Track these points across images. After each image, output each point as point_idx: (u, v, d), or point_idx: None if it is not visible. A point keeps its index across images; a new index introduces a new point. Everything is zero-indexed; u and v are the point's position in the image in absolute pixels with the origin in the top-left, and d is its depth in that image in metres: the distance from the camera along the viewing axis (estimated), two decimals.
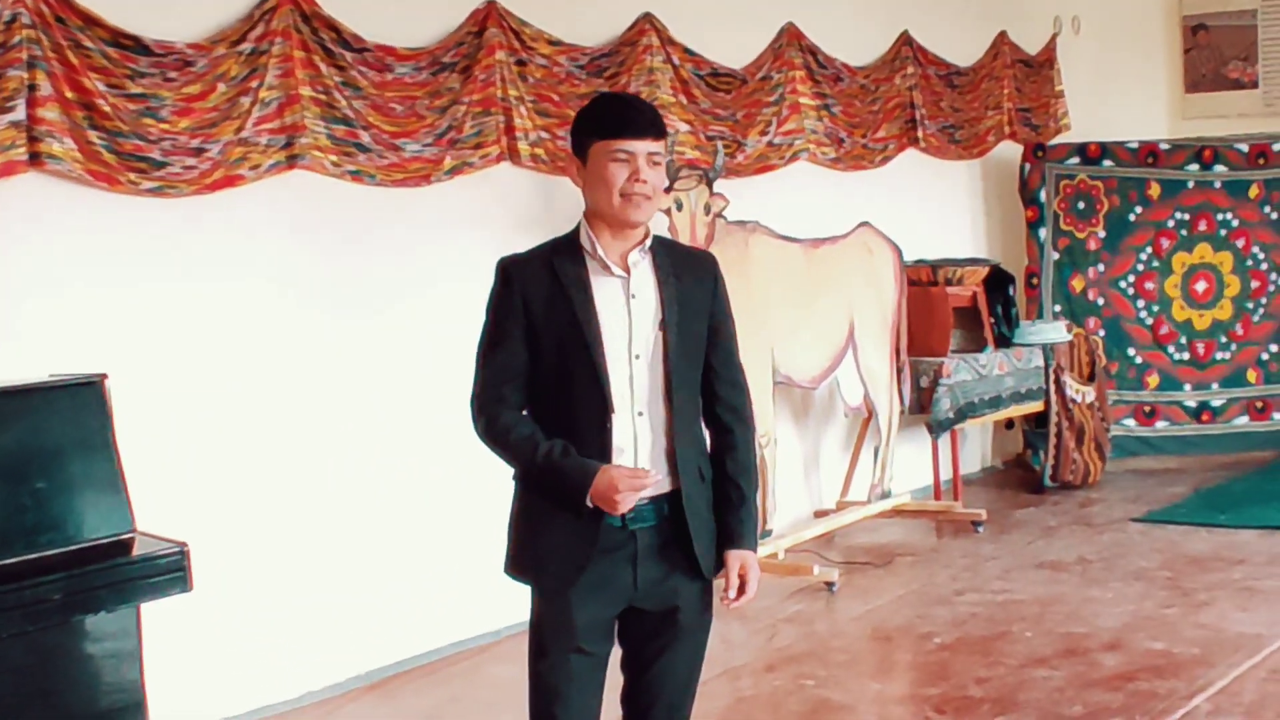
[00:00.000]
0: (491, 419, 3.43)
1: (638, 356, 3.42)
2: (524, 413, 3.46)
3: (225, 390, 5.72)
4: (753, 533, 3.57)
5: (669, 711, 3.59)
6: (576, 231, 3.48)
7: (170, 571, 4.83)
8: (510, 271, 3.48)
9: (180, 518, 5.20)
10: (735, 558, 3.52)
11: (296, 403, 5.96)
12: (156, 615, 5.04)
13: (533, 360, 3.43)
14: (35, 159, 5.07)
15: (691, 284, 3.51)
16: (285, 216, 5.94)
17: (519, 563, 3.53)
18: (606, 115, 3.43)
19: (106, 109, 5.28)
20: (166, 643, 5.20)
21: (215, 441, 5.68)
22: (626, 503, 3.31)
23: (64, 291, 5.28)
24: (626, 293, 3.43)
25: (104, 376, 5.03)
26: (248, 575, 5.72)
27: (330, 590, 6.01)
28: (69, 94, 5.18)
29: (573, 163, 3.48)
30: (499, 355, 3.45)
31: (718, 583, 3.56)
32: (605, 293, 3.42)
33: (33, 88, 5.06)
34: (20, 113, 5.03)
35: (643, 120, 3.41)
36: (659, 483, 3.40)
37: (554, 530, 3.41)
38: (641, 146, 3.36)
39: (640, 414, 3.41)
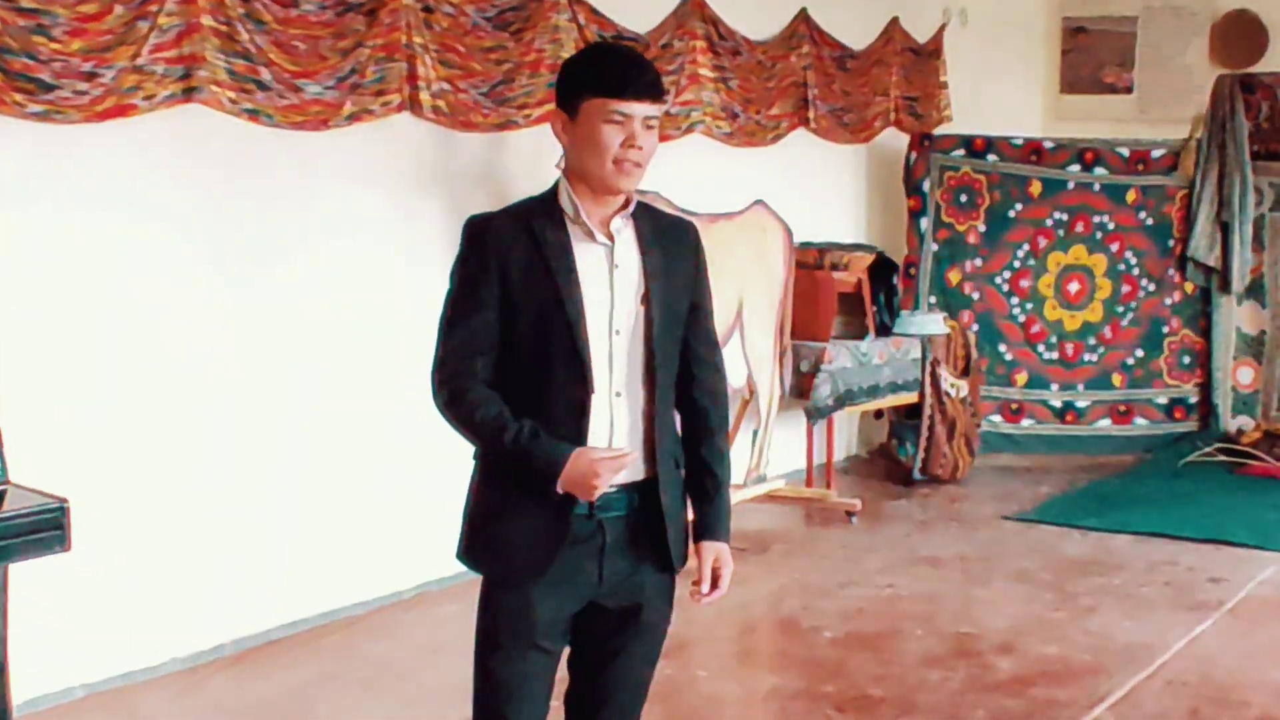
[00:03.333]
0: (456, 393, 3.11)
1: (618, 332, 3.13)
2: (491, 389, 3.12)
3: (106, 333, 5.37)
4: (727, 523, 3.33)
5: (620, 713, 3.33)
6: (554, 192, 3.17)
7: (48, 529, 4.45)
8: (482, 232, 3.15)
9: (54, 471, 4.81)
10: (710, 549, 3.27)
11: (177, 351, 5.60)
12: (29, 571, 4.68)
13: (505, 332, 3.12)
14: None
15: (674, 256, 3.23)
16: (175, 152, 5.56)
17: (475, 550, 3.22)
18: (605, 70, 3.10)
19: None
20: (39, 603, 4.85)
21: (98, 391, 5.32)
22: (603, 486, 3.02)
23: None
24: (610, 262, 3.13)
25: None
26: (118, 535, 5.35)
27: (201, 554, 5.68)
28: None
29: (558, 117, 3.14)
30: (469, 324, 3.12)
31: (681, 576, 3.29)
32: (587, 261, 3.12)
33: None
34: None
35: (645, 80, 3.09)
36: (635, 468, 3.12)
37: (518, 518, 3.12)
38: (640, 109, 3.05)
39: (618, 395, 3.13)
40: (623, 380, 3.13)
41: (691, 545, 3.29)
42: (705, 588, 3.25)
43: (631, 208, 3.17)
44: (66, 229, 5.24)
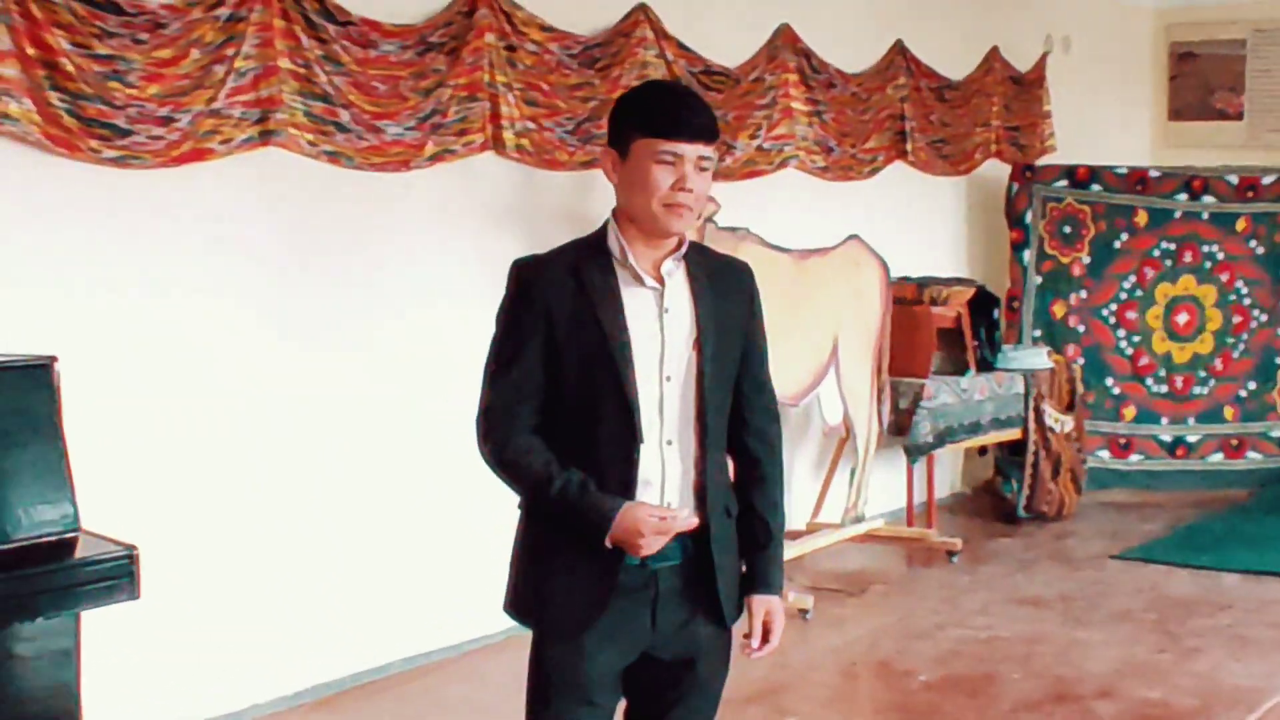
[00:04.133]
0: (502, 443, 3.03)
1: (669, 379, 3.03)
2: (538, 438, 3.04)
3: (181, 381, 5.33)
4: (779, 575, 3.22)
5: None
6: (603, 233, 3.08)
7: (116, 577, 4.43)
8: (529, 277, 3.05)
9: (126, 517, 4.80)
10: (761, 603, 3.16)
11: (249, 397, 5.55)
12: (96, 619, 4.66)
13: (551, 379, 3.03)
14: None
15: (728, 299, 3.13)
16: (254, 196, 5.54)
17: (522, 603, 3.15)
18: (657, 110, 3.00)
19: (70, 69, 4.86)
20: (106, 648, 4.82)
21: (165, 434, 5.28)
22: (652, 547, 2.94)
23: (13, 264, 4.87)
24: (659, 306, 3.03)
25: (53, 359, 4.63)
26: (196, 581, 5.33)
27: (281, 600, 5.63)
28: (30, 51, 4.76)
29: (608, 156, 3.05)
30: (514, 371, 3.04)
31: (736, 629, 3.18)
32: (636, 306, 3.01)
33: None
34: None
35: (698, 121, 2.99)
36: (684, 525, 3.01)
37: (566, 568, 3.04)
38: (692, 150, 2.96)
39: (669, 443, 3.03)
40: (674, 428, 3.04)
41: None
42: (755, 642, 3.16)
43: (684, 249, 3.07)
44: (140, 275, 5.23)
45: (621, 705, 3.20)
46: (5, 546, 4.40)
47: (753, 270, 3.26)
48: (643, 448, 2.99)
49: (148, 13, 5.08)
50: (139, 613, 4.71)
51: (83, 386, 4.85)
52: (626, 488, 2.97)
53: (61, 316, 4.94)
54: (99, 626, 4.70)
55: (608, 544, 2.93)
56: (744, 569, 3.19)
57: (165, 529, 5.10)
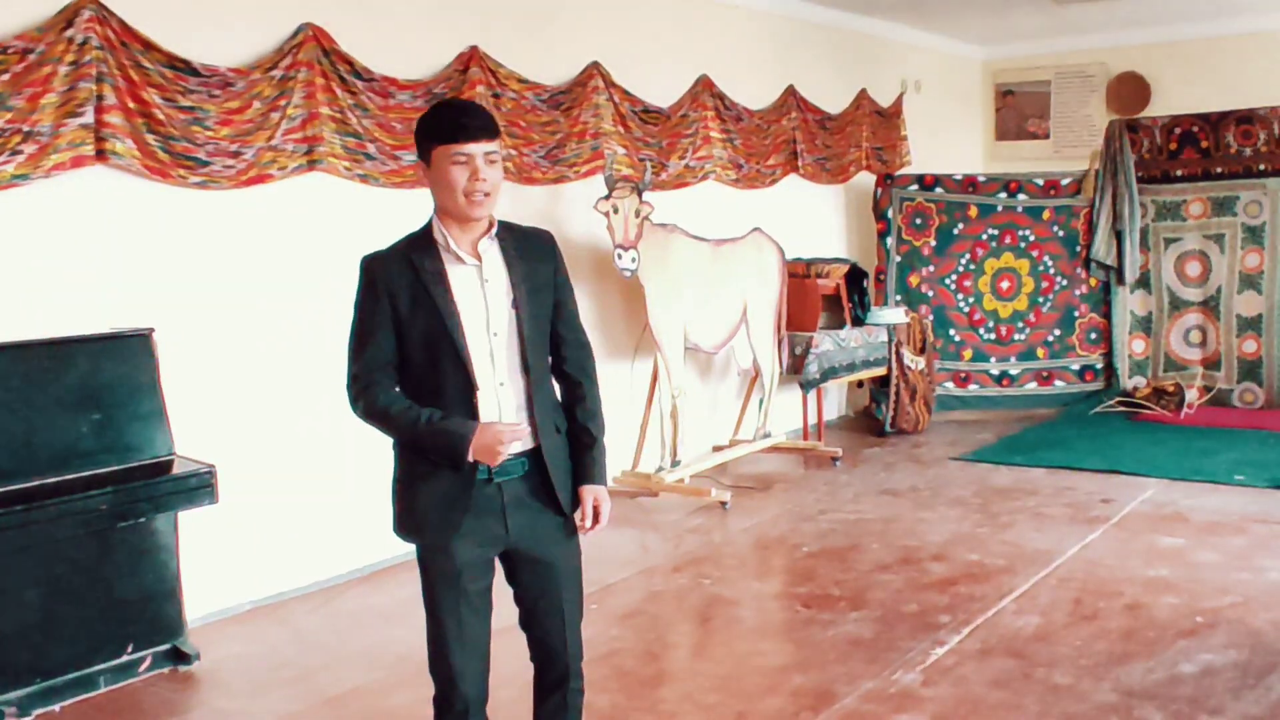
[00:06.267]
0: (370, 401, 2.85)
1: (495, 334, 2.85)
2: (396, 391, 2.88)
3: (247, 346, 5.30)
4: (602, 470, 3.02)
5: (562, 633, 3.02)
6: (430, 227, 2.88)
7: (201, 487, 4.45)
8: (374, 270, 2.85)
9: (208, 444, 4.79)
10: (589, 492, 2.98)
11: (300, 357, 5.50)
12: (191, 520, 4.66)
13: (402, 348, 2.85)
14: (101, 155, 4.65)
15: (536, 262, 2.92)
16: (304, 209, 5.49)
17: (404, 523, 2.93)
18: (444, 122, 2.80)
19: (161, 118, 4.82)
20: (199, 542, 4.81)
21: (237, 384, 5.26)
22: (505, 452, 2.78)
23: (122, 262, 4.85)
24: (480, 279, 2.85)
25: (151, 330, 4.65)
26: (261, 490, 5.31)
27: (330, 502, 5.60)
28: (130, 104, 4.74)
29: (419, 166, 2.88)
30: (369, 347, 2.85)
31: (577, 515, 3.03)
32: (461, 281, 2.83)
33: (100, 98, 4.63)
34: (89, 117, 4.60)
35: (477, 124, 2.79)
36: (523, 442, 2.87)
37: (431, 491, 2.85)
38: (478, 148, 2.77)
39: (502, 384, 2.86)
40: (505, 371, 2.86)
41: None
42: (589, 523, 2.99)
43: (495, 229, 2.89)
44: (216, 269, 5.20)
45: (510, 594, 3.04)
46: (121, 467, 4.42)
47: (553, 235, 3.05)
48: (480, 392, 2.83)
49: (219, 75, 5.03)
50: (219, 514, 4.71)
51: (175, 350, 4.84)
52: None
53: (158, 300, 4.92)
54: (192, 525, 4.70)
55: (469, 457, 2.78)
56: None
57: (237, 452, 5.09)
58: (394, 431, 2.88)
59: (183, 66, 4.89)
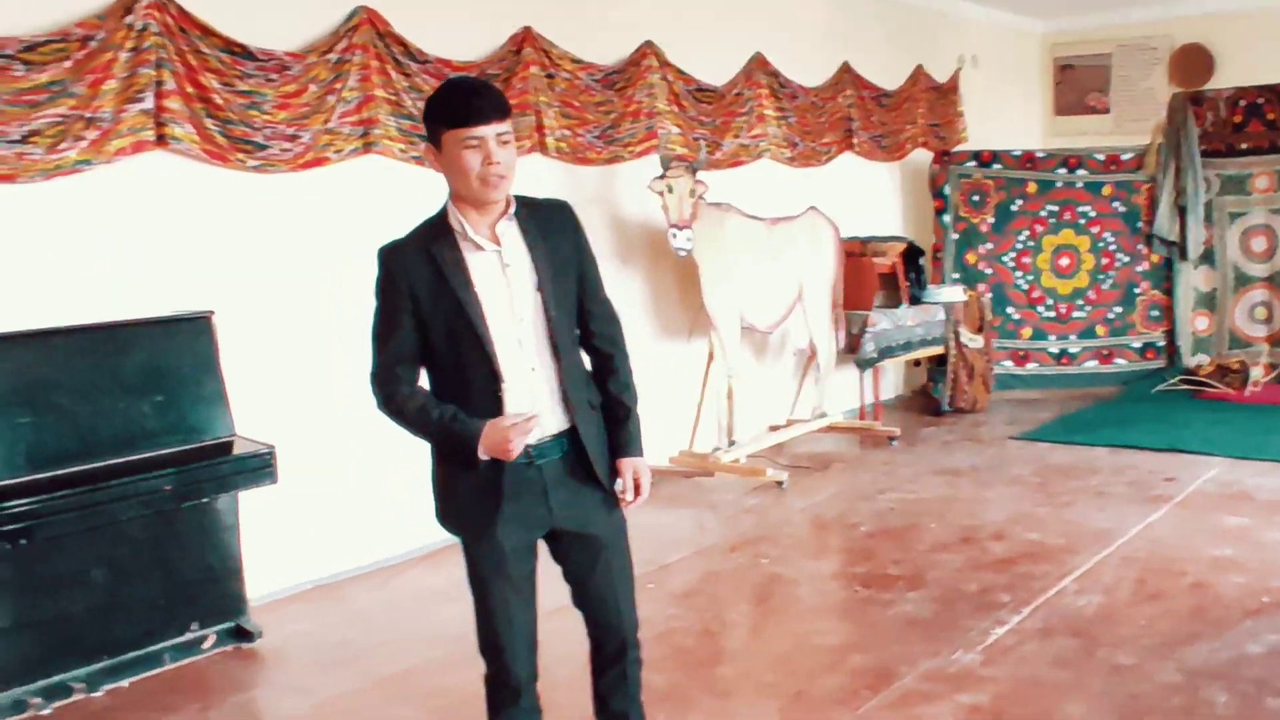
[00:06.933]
0: (388, 396, 2.79)
1: (521, 320, 2.76)
2: (418, 385, 2.81)
3: (303, 327, 5.32)
4: (638, 440, 2.95)
5: (616, 605, 2.99)
6: (445, 214, 2.78)
7: (262, 467, 4.49)
8: (392, 262, 2.76)
9: (268, 425, 4.83)
10: (627, 465, 2.92)
11: (356, 338, 5.47)
12: (251, 500, 4.71)
13: (424, 340, 2.77)
14: (161, 140, 4.70)
15: (557, 239, 2.82)
16: (358, 190, 5.51)
17: (445, 514, 2.90)
18: (453, 104, 2.68)
19: (220, 102, 4.86)
20: (260, 522, 4.86)
21: (296, 366, 5.29)
22: (519, 446, 2.70)
23: (184, 245, 4.90)
24: (501, 264, 2.75)
25: (211, 313, 4.70)
26: (319, 471, 5.34)
27: (388, 483, 5.60)
28: (189, 89, 4.78)
29: (429, 151, 2.76)
30: (391, 341, 2.78)
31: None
32: (481, 269, 2.74)
33: (160, 83, 4.68)
34: (149, 103, 4.65)
35: (488, 105, 2.68)
36: (558, 423, 2.82)
37: (469, 481, 2.79)
38: (490, 130, 2.66)
39: (533, 370, 2.78)
40: (534, 356, 2.79)
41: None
42: (630, 495, 2.93)
43: (512, 209, 2.78)
44: (275, 251, 5.23)
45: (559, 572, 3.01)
46: (183, 448, 4.47)
47: (570, 205, 2.94)
48: (508, 381, 2.75)
49: (276, 59, 5.06)
50: (279, 494, 4.76)
51: (235, 332, 4.88)
52: (496, 413, 2.75)
53: (218, 282, 4.96)
54: (252, 505, 4.75)
55: (482, 457, 2.71)
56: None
57: (296, 433, 5.12)
58: (412, 429, 2.82)
59: (240, 51, 4.92)
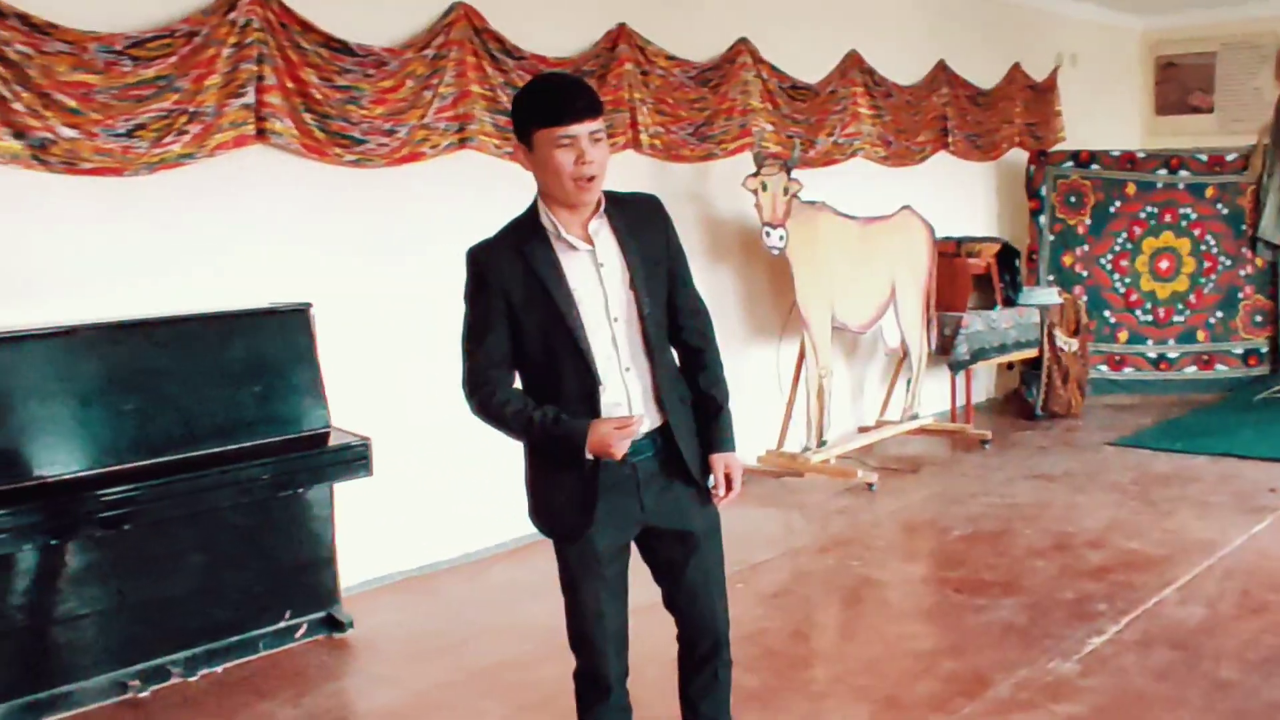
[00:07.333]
0: (484, 400, 2.75)
1: (616, 319, 2.72)
2: (513, 388, 2.78)
3: (401, 320, 5.36)
4: (730, 436, 2.90)
5: (710, 603, 2.94)
6: (535, 212, 2.74)
7: (357, 459, 4.53)
8: (483, 263, 2.73)
9: (363, 417, 4.87)
10: (719, 460, 2.87)
11: (450, 333, 5.49)
12: (345, 491, 4.75)
13: (518, 343, 2.73)
14: (261, 134, 4.75)
15: (647, 232, 2.79)
16: (453, 185, 5.53)
17: (539, 515, 2.87)
18: (546, 102, 2.64)
19: (318, 97, 4.91)
20: (353, 513, 4.90)
21: (390, 359, 5.33)
22: (623, 447, 2.67)
23: (282, 238, 4.97)
24: (595, 264, 2.72)
25: (309, 305, 4.74)
26: (413, 464, 5.38)
27: (479, 476, 5.61)
28: (289, 84, 4.83)
29: (519, 150, 2.72)
30: (484, 345, 2.74)
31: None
32: (576, 269, 2.70)
33: (260, 79, 4.73)
34: (250, 98, 4.70)
35: (582, 103, 2.63)
36: (651, 420, 2.78)
37: (562, 483, 2.76)
38: (583, 129, 2.61)
39: (628, 370, 2.74)
40: (628, 355, 2.74)
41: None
42: (721, 491, 2.87)
43: (604, 207, 2.74)
44: (372, 243, 5.28)
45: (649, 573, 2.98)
46: (279, 439, 4.52)
47: (659, 200, 2.89)
48: (605, 383, 2.71)
49: (374, 55, 5.10)
50: (373, 486, 4.79)
51: (332, 324, 4.93)
52: (594, 415, 2.72)
53: (316, 275, 5.01)
54: (347, 497, 4.79)
55: (589, 456, 2.68)
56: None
57: (390, 425, 5.16)
58: (509, 433, 2.79)
59: (339, 47, 4.97)
